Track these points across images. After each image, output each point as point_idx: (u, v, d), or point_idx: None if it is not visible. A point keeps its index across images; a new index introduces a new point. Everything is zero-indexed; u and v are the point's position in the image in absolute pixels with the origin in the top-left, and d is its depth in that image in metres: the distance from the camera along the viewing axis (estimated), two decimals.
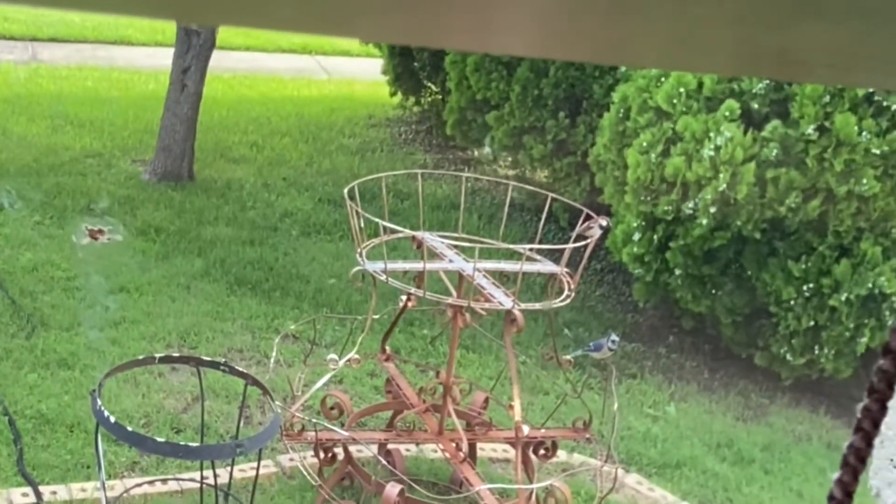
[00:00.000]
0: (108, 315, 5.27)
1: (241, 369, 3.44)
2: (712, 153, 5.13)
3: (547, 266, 4.02)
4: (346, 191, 3.82)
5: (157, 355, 3.63)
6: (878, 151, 4.95)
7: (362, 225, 3.73)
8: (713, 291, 5.54)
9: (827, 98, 5.02)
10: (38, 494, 3.84)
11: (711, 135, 5.17)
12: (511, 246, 4.17)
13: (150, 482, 3.94)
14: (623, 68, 6.08)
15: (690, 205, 5.26)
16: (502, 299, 3.69)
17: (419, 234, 4.00)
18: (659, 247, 5.61)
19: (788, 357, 5.34)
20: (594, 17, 0.45)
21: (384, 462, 3.79)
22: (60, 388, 4.53)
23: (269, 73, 10.99)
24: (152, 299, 5.49)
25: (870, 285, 5.04)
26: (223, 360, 3.95)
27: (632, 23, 0.45)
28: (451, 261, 3.89)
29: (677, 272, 5.53)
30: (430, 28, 0.48)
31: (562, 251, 3.90)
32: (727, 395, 5.61)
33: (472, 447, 4.11)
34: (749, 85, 5.23)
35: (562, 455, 4.43)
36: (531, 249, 3.93)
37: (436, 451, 4.36)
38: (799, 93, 5.11)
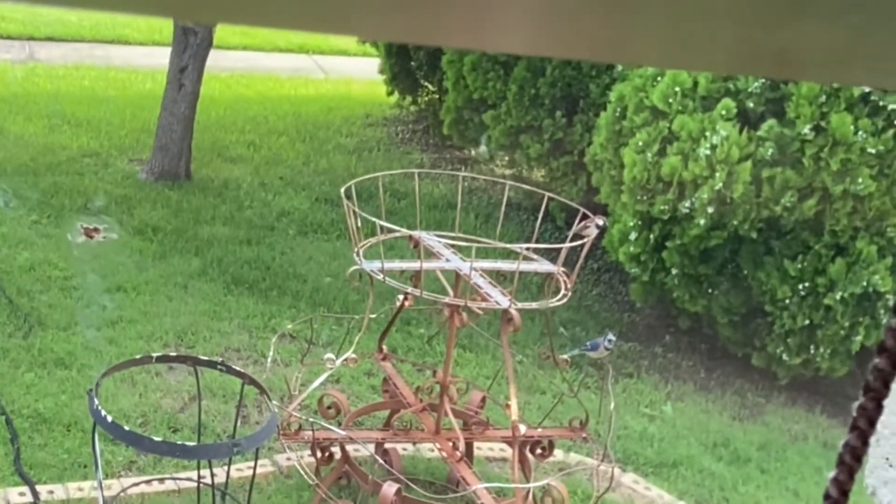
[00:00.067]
0: (105, 314, 5.27)
1: (238, 369, 3.44)
2: (708, 152, 5.13)
3: (544, 265, 4.02)
4: (343, 190, 3.82)
5: (155, 355, 3.63)
6: (873, 151, 4.96)
7: (359, 224, 3.73)
8: (709, 291, 5.55)
9: (823, 98, 5.02)
10: (35, 494, 3.84)
11: (707, 134, 5.17)
12: (508, 245, 4.17)
13: (147, 481, 3.94)
14: (620, 67, 6.09)
15: (687, 204, 5.26)
16: (499, 299, 3.69)
17: (416, 233, 4.00)
18: (655, 246, 5.61)
19: (784, 356, 5.35)
20: (592, 15, 0.45)
21: (381, 461, 3.79)
22: (57, 387, 4.53)
23: (267, 73, 10.99)
24: (149, 299, 5.49)
25: (864, 284, 5.05)
26: (220, 359, 3.95)
27: (629, 21, 0.45)
28: (447, 260, 3.89)
29: (674, 271, 5.54)
30: (428, 26, 0.48)
31: (558, 250, 3.90)
32: (723, 394, 5.61)
33: (468, 446, 4.11)
34: (745, 84, 5.24)
35: (558, 454, 4.43)
36: (528, 249, 3.94)
37: (433, 451, 4.36)
38: (795, 92, 5.12)
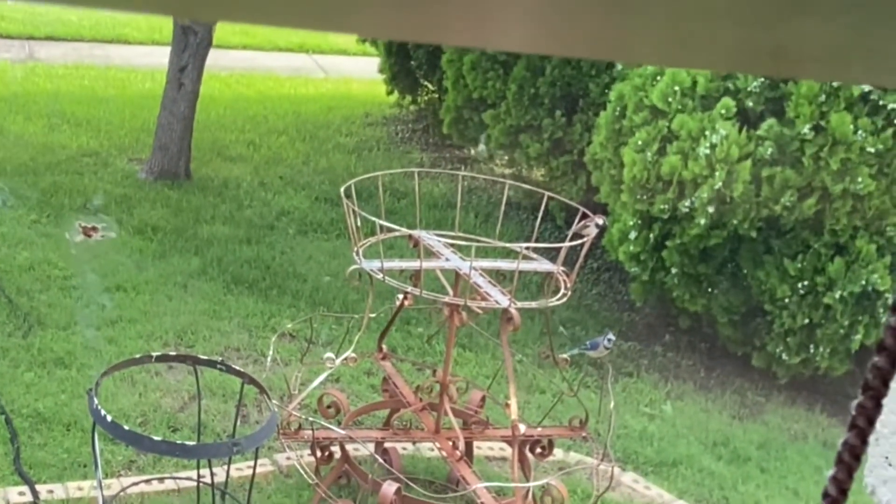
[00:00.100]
0: (103, 313, 5.27)
1: (237, 368, 3.44)
2: (708, 151, 5.13)
3: (543, 265, 4.02)
4: (342, 189, 3.82)
5: (154, 354, 3.63)
6: (873, 150, 4.96)
7: (359, 224, 3.73)
8: (709, 290, 5.55)
9: (822, 97, 5.02)
10: (35, 493, 3.84)
11: (707, 133, 5.17)
12: (507, 245, 4.18)
13: (147, 481, 3.94)
14: (619, 67, 6.09)
15: (687, 203, 5.26)
16: (499, 298, 3.69)
17: (416, 232, 4.00)
18: (655, 245, 5.61)
19: (784, 355, 5.35)
20: (591, 13, 0.45)
21: (381, 460, 3.79)
22: (57, 386, 4.53)
23: (266, 72, 10.99)
24: (149, 298, 5.49)
25: (864, 283, 5.05)
26: (220, 358, 3.95)
27: (628, 19, 0.45)
28: (447, 259, 3.89)
29: (673, 271, 5.54)
30: (428, 24, 0.48)
31: (558, 250, 3.90)
32: (723, 393, 5.61)
33: (468, 446, 4.11)
34: (744, 83, 5.24)
35: (558, 453, 4.43)
36: (527, 248, 3.94)
37: (432, 450, 4.36)
38: (794, 92, 5.12)
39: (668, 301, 5.85)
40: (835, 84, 4.98)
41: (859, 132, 4.95)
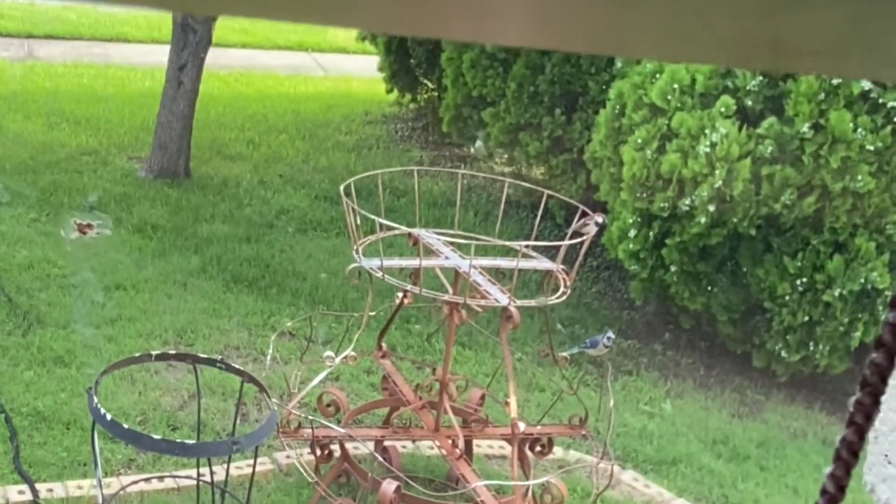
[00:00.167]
0: (103, 312, 5.27)
1: (237, 366, 3.44)
2: (708, 150, 5.13)
3: (543, 263, 4.02)
4: (342, 188, 3.82)
5: (154, 352, 3.62)
6: (872, 148, 4.96)
7: (358, 222, 3.73)
8: (709, 288, 5.55)
9: (822, 95, 5.02)
10: (35, 492, 3.84)
11: (707, 131, 5.17)
12: (507, 243, 4.17)
13: (147, 479, 3.94)
14: (619, 65, 6.09)
15: (687, 202, 5.26)
16: (498, 296, 3.69)
17: (415, 230, 4.00)
18: (655, 243, 5.61)
19: (783, 353, 5.35)
20: (589, 6, 0.45)
21: (380, 459, 3.79)
22: (57, 385, 4.53)
23: (266, 70, 10.99)
24: (149, 297, 5.49)
25: (863, 281, 5.05)
26: (220, 357, 3.95)
27: (626, 13, 0.45)
28: (447, 258, 3.89)
29: (673, 269, 5.54)
30: (427, 17, 0.48)
31: (558, 248, 3.90)
32: (723, 391, 5.62)
33: (468, 444, 4.11)
34: (742, 82, 5.24)
35: (558, 452, 4.43)
36: (527, 246, 3.94)
37: (432, 448, 4.36)
38: (793, 90, 5.12)
39: (668, 299, 5.85)
40: (834, 82, 4.98)
41: (859, 130, 4.95)
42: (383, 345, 4.26)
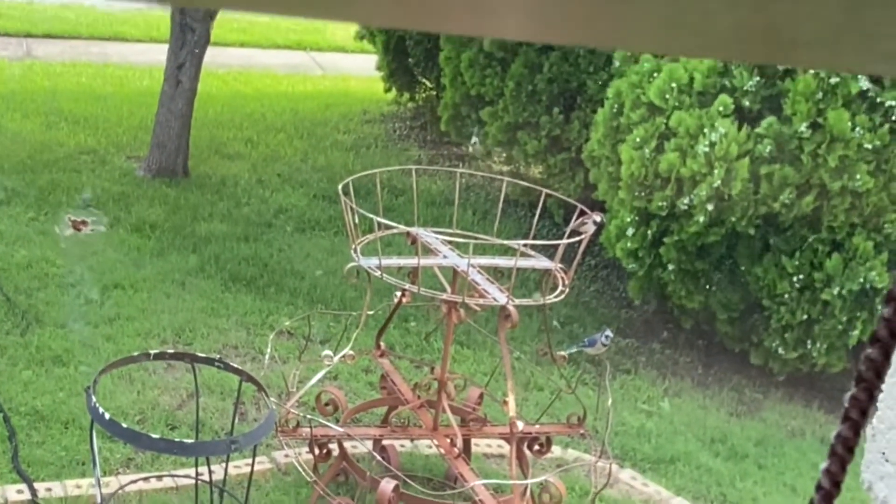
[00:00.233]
0: (101, 311, 5.26)
1: (235, 366, 3.44)
2: (707, 149, 5.13)
3: (541, 262, 4.03)
4: (340, 187, 3.82)
5: (152, 352, 3.63)
6: (870, 147, 4.96)
7: (357, 221, 3.73)
8: (707, 287, 5.55)
9: (819, 94, 5.02)
10: (34, 491, 3.84)
11: (706, 131, 5.17)
12: (505, 242, 4.17)
13: (146, 479, 3.94)
14: (617, 63, 6.09)
15: (685, 201, 5.26)
16: (497, 295, 3.69)
17: (413, 229, 4.00)
18: (653, 242, 5.61)
19: (780, 350, 5.35)
20: (587, 0, 0.45)
21: (379, 458, 3.79)
22: (55, 384, 4.53)
23: (264, 69, 10.98)
24: (147, 296, 5.49)
25: (862, 280, 5.05)
26: (218, 356, 3.95)
27: (623, 5, 0.46)
28: (445, 257, 3.89)
29: (671, 267, 5.54)
30: (426, 11, 0.48)
31: (556, 247, 3.90)
32: (721, 390, 5.62)
33: (466, 443, 4.11)
34: (740, 82, 5.24)
35: (556, 451, 4.43)
36: (525, 245, 3.94)
37: (430, 447, 4.36)
38: (791, 89, 5.12)
39: (666, 298, 5.85)
40: (832, 81, 4.98)
41: (857, 129, 4.96)
42: (382, 344, 4.26)
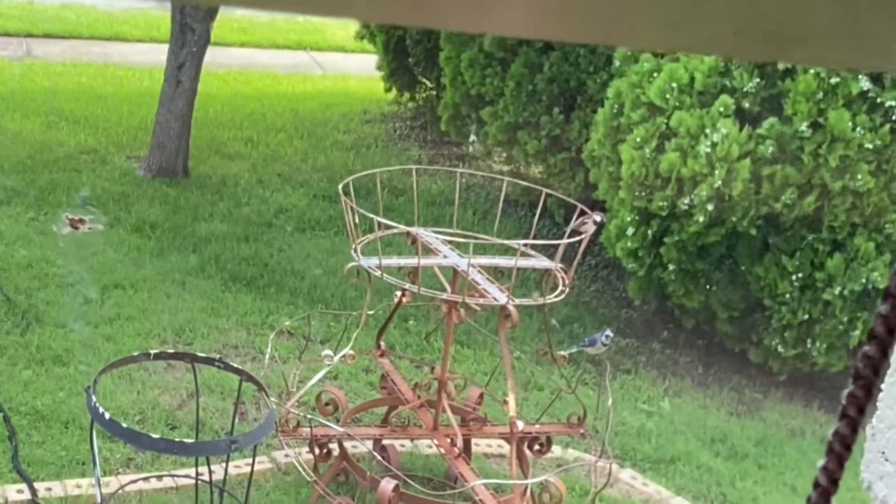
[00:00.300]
0: (101, 311, 5.26)
1: (236, 366, 3.44)
2: (708, 150, 5.13)
3: (541, 262, 4.02)
4: (340, 187, 3.82)
5: (152, 352, 3.63)
6: (871, 147, 4.96)
7: (357, 221, 3.73)
8: (707, 287, 5.55)
9: (820, 94, 5.02)
10: (34, 491, 3.84)
11: (707, 131, 5.17)
12: (505, 241, 4.17)
13: (146, 479, 3.94)
14: (617, 63, 6.08)
15: (686, 201, 5.26)
16: (497, 295, 3.69)
17: (414, 229, 4.00)
18: (653, 242, 5.61)
19: (779, 348, 5.35)
20: None
21: (379, 458, 3.79)
22: (55, 384, 4.53)
23: (264, 69, 10.98)
24: (147, 296, 5.49)
25: (863, 280, 5.05)
26: (218, 356, 3.95)
27: (624, 2, 0.45)
28: (445, 256, 3.89)
29: (671, 267, 5.54)
30: (427, 8, 0.48)
31: (556, 247, 3.90)
32: (721, 390, 5.62)
33: (466, 443, 4.11)
34: (740, 83, 5.24)
35: (556, 450, 4.43)
36: (525, 245, 3.94)
37: (431, 447, 4.36)
38: (792, 89, 5.12)
39: (666, 298, 5.85)
40: (833, 81, 4.98)
41: (857, 129, 4.95)
42: (382, 343, 4.26)
